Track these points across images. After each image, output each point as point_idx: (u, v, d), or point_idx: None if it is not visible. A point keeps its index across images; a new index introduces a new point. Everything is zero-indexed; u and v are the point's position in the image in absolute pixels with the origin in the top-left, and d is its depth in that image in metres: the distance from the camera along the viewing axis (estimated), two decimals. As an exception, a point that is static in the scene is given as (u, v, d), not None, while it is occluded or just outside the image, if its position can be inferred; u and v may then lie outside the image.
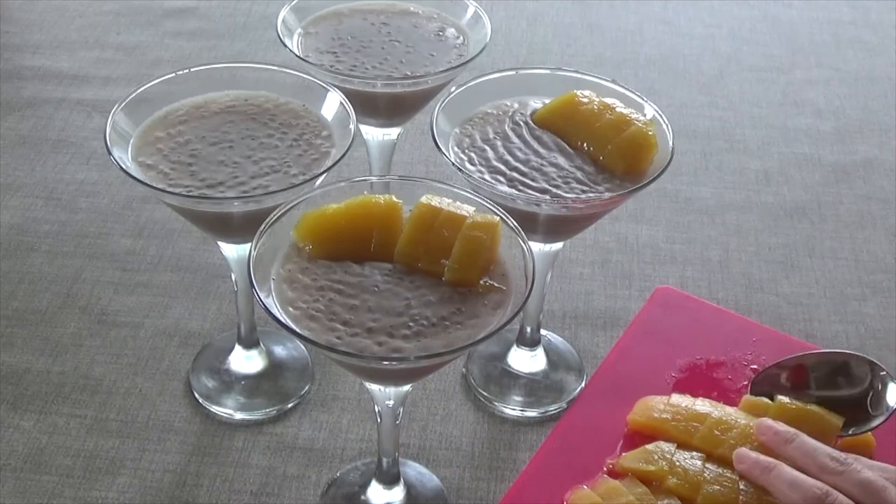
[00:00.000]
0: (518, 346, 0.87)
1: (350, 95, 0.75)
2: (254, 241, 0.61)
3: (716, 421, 0.75)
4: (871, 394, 0.73)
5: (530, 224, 0.68)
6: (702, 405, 0.77)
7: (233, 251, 0.77)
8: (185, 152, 0.72)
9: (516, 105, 0.77)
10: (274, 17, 0.83)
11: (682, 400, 0.78)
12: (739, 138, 1.16)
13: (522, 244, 0.63)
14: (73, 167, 1.08)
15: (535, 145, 0.74)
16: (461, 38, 0.86)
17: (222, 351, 0.87)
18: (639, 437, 0.76)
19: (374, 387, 0.67)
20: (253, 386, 0.85)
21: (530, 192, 0.69)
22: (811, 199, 1.08)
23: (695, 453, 0.73)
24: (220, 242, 0.76)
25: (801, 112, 1.21)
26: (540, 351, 0.87)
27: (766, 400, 0.76)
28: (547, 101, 0.77)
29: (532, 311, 0.84)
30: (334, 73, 0.79)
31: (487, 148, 0.73)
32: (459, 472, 0.79)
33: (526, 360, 0.87)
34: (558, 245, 0.78)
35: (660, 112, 0.75)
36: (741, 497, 0.70)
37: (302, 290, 0.61)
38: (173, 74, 0.75)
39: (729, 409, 0.76)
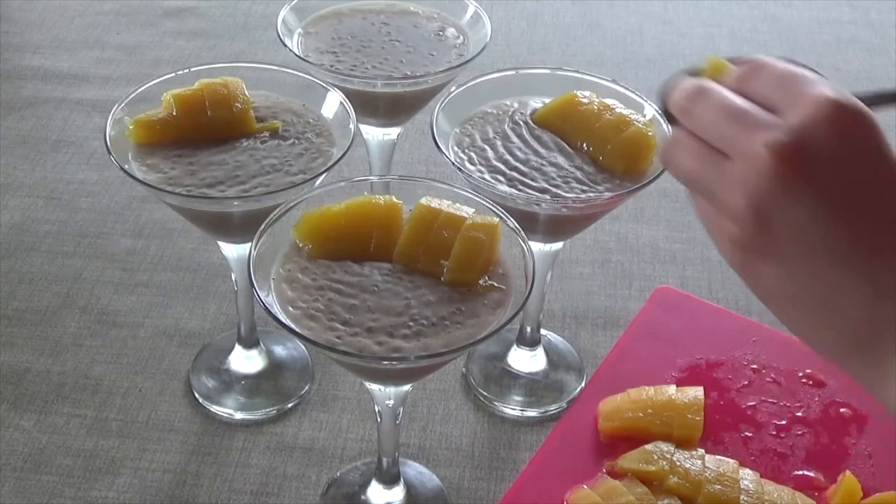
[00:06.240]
0: (518, 346, 0.87)
1: (350, 95, 0.75)
2: (254, 241, 0.61)
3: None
4: None
5: (530, 224, 0.68)
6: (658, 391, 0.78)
7: (233, 251, 0.77)
8: (184, 152, 0.72)
9: (516, 105, 0.77)
10: (274, 17, 0.83)
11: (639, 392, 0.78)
12: (739, 138, 1.16)
13: (522, 244, 0.63)
14: (73, 167, 1.08)
15: (535, 145, 0.74)
16: (461, 38, 0.86)
17: (222, 351, 0.87)
18: (637, 437, 0.76)
19: (374, 387, 0.67)
20: (253, 386, 0.85)
21: (530, 191, 0.69)
22: (811, 198, 1.07)
23: (695, 452, 0.74)
24: (220, 242, 0.76)
25: (801, 112, 1.20)
26: (540, 351, 0.87)
27: None
28: (547, 101, 0.77)
29: (532, 310, 0.84)
30: (334, 73, 0.79)
31: (487, 148, 0.73)
32: (459, 472, 0.79)
33: (526, 360, 0.87)
34: (558, 245, 0.78)
35: (660, 112, 0.75)
36: (742, 497, 0.70)
37: (302, 290, 0.61)
38: (173, 74, 0.75)
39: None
